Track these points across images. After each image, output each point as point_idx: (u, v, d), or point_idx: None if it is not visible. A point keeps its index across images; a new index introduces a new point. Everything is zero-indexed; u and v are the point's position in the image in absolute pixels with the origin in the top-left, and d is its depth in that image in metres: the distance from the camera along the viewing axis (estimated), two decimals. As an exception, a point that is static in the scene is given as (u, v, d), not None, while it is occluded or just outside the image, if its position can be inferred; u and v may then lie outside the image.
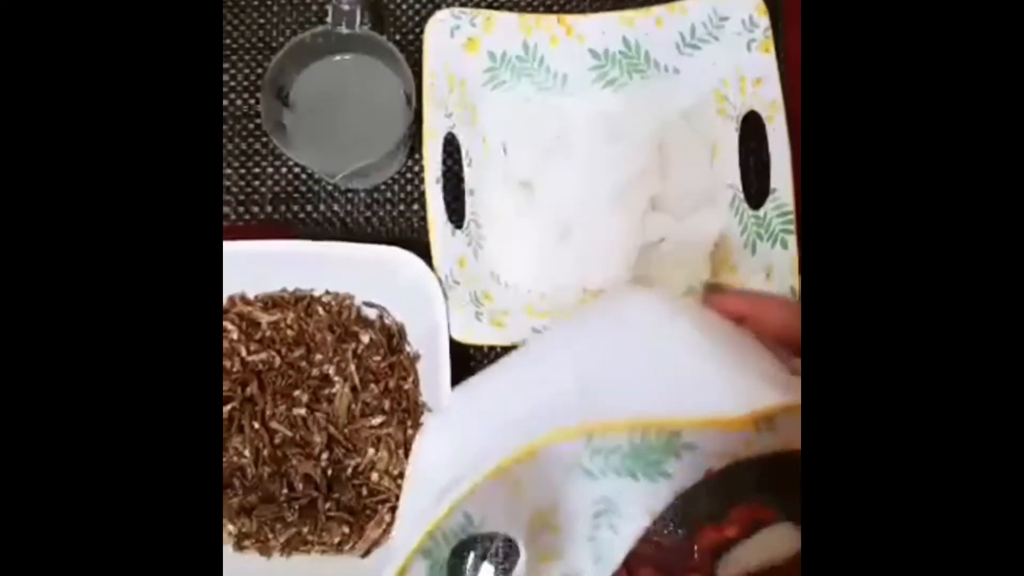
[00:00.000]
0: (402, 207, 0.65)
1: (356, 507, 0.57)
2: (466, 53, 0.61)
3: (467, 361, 0.63)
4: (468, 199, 0.60)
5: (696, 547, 0.56)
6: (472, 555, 0.60)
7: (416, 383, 0.58)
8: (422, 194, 0.64)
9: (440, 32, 0.59)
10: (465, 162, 0.60)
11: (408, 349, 0.59)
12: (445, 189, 0.58)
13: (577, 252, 0.62)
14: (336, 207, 0.65)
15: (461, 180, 0.61)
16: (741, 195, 0.60)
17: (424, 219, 0.60)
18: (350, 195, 0.65)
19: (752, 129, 0.60)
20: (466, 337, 0.56)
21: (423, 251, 0.57)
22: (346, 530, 0.57)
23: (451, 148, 0.61)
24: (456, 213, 0.60)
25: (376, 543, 0.57)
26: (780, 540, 0.53)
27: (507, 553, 0.60)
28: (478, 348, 0.63)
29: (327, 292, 0.59)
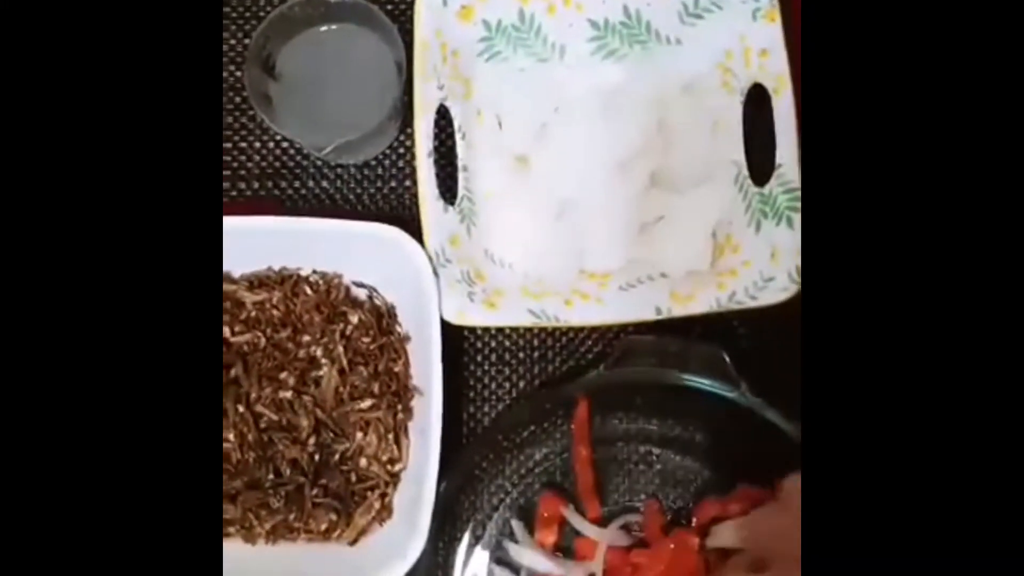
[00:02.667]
0: (393, 183, 0.62)
1: (344, 493, 0.55)
2: (460, 22, 0.58)
3: (460, 342, 0.61)
4: (461, 175, 0.58)
5: (695, 517, 0.56)
6: (465, 541, 0.58)
7: (407, 365, 0.56)
8: (414, 170, 0.62)
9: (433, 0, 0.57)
10: (458, 136, 0.58)
11: (399, 330, 0.57)
12: (437, 164, 0.56)
13: (575, 231, 0.60)
14: (325, 183, 0.62)
15: (454, 155, 0.58)
16: (745, 172, 0.58)
17: (416, 196, 0.58)
18: (339, 171, 0.62)
19: (757, 102, 0.58)
20: (458, 318, 0.54)
21: (415, 229, 0.55)
22: (334, 517, 0.55)
23: (444, 122, 0.59)
24: (448, 189, 0.58)
25: (365, 531, 0.55)
26: (767, 523, 0.52)
27: (499, 540, 0.59)
28: (471, 330, 0.62)
29: (314, 271, 0.57)
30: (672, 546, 0.55)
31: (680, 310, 0.55)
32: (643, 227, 0.59)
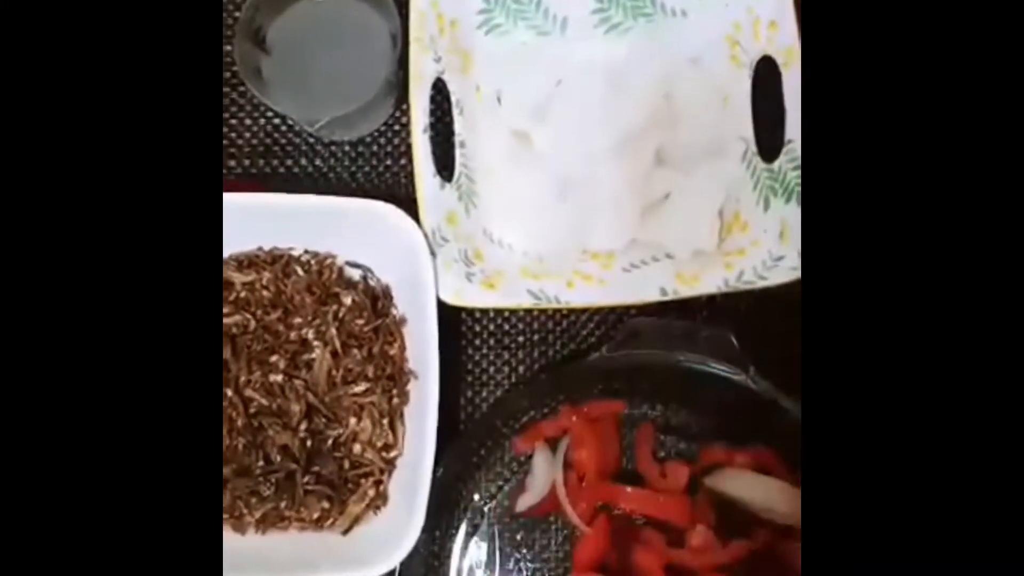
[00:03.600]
0: (389, 161, 0.60)
1: (337, 481, 0.53)
2: (457, -8, 0.56)
3: (457, 325, 0.59)
4: (459, 151, 0.56)
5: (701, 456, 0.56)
6: (462, 530, 0.56)
7: (402, 348, 0.54)
8: (410, 147, 0.60)
9: (429, -31, 0.55)
10: (456, 111, 0.56)
11: (394, 312, 0.55)
12: (434, 140, 0.54)
13: (577, 209, 0.58)
14: (318, 161, 0.60)
15: (451, 131, 0.56)
16: (754, 148, 0.56)
17: (412, 174, 0.56)
18: (333, 148, 0.60)
19: (766, 76, 0.56)
20: (456, 299, 0.52)
21: (411, 207, 0.53)
22: (326, 505, 0.53)
23: (440, 97, 0.57)
24: (446, 166, 0.55)
25: (358, 519, 0.54)
26: (768, 491, 0.53)
27: (497, 530, 0.57)
28: (469, 312, 0.59)
29: (306, 251, 0.55)
30: (662, 476, 0.55)
31: (686, 291, 0.53)
32: (648, 206, 0.57)
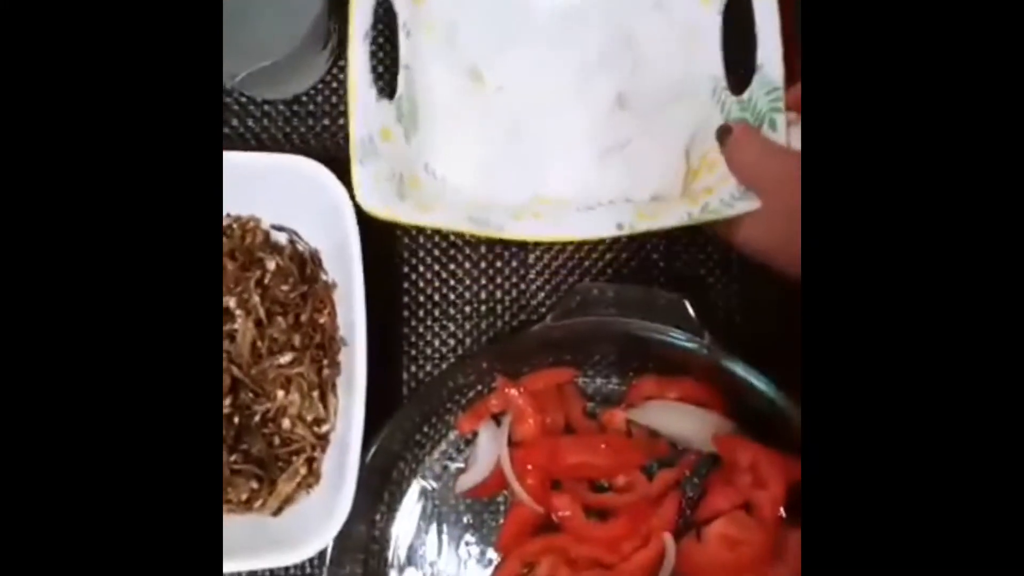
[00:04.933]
0: (326, 121, 0.57)
1: (266, 459, 0.50)
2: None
3: (398, 294, 0.56)
4: (403, 73, 0.51)
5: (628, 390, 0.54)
6: (406, 513, 0.53)
7: (333, 316, 0.51)
8: (348, 106, 0.56)
9: None
10: (402, 33, 0.51)
11: (324, 278, 0.52)
12: (375, 57, 0.50)
13: (530, 153, 0.53)
14: (251, 121, 0.57)
15: (395, 52, 0.52)
16: (723, 83, 0.51)
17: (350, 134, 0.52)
18: (267, 108, 0.57)
19: (733, 5, 0.51)
20: (385, 213, 0.47)
21: (345, 169, 0.49)
22: (255, 485, 0.50)
23: (388, 18, 0.52)
24: (387, 84, 0.51)
25: (290, 499, 0.50)
26: (702, 423, 0.51)
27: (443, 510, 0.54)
28: (412, 281, 0.56)
29: (228, 215, 0.51)
30: (596, 427, 0.53)
31: (646, 225, 0.48)
32: (606, 151, 0.53)
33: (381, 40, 0.52)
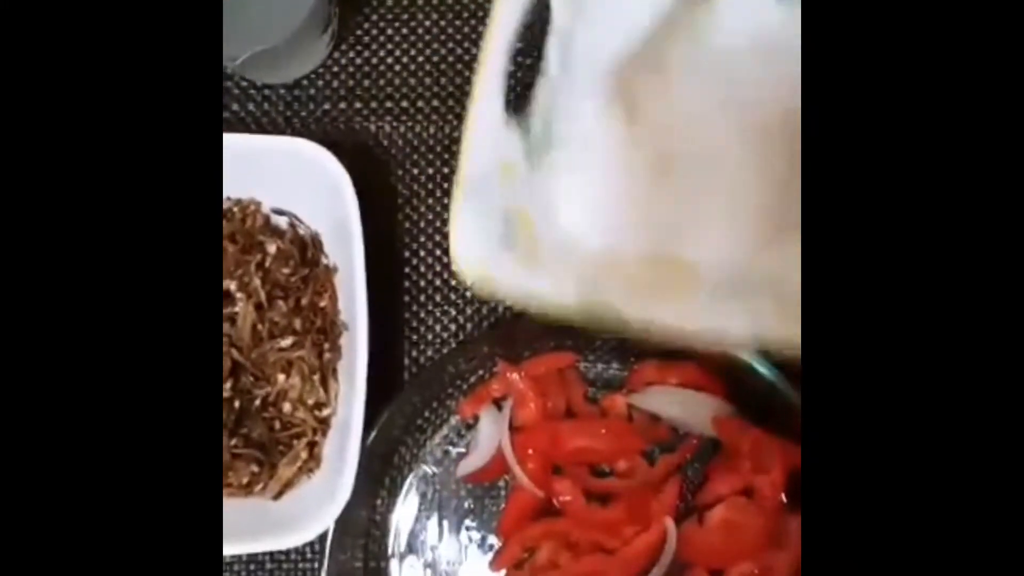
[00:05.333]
0: (327, 105, 0.57)
1: (267, 443, 0.50)
2: None
3: (399, 279, 0.55)
4: (541, 81, 0.43)
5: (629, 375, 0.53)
6: (406, 498, 0.53)
7: (334, 300, 0.51)
8: (349, 90, 0.56)
9: None
10: (553, 39, 0.43)
11: (325, 262, 0.51)
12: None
13: (676, 196, 0.44)
14: (251, 106, 0.57)
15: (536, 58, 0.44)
16: None
17: (352, 118, 0.52)
18: (268, 92, 0.57)
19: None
20: (479, 271, 0.40)
21: (348, 153, 0.49)
22: (255, 469, 0.50)
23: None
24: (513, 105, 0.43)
25: (290, 483, 0.50)
26: (703, 408, 0.50)
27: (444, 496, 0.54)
28: (413, 266, 0.56)
29: (228, 198, 0.51)
30: (597, 412, 0.53)
31: (790, 349, 0.39)
32: (776, 229, 0.43)
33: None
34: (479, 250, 0.41)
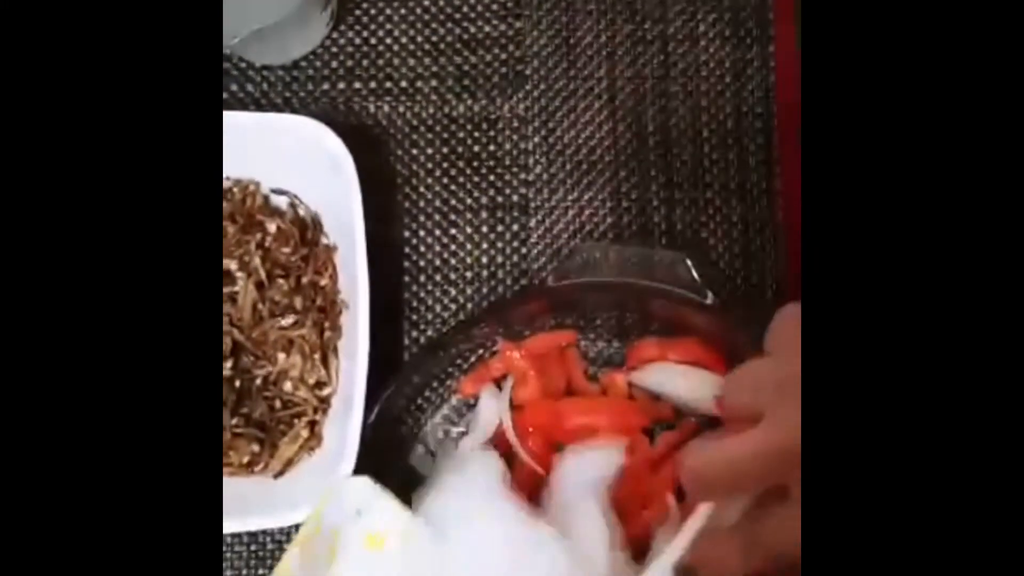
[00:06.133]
0: (326, 85, 0.57)
1: (268, 422, 0.50)
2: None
3: (399, 259, 0.55)
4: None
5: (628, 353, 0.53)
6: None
7: (334, 279, 0.51)
8: (349, 70, 0.56)
9: None
10: None
11: (324, 241, 0.51)
12: None
13: None
14: (250, 86, 0.56)
15: None
16: None
17: (351, 98, 0.52)
18: (266, 72, 0.56)
19: None
20: None
21: (348, 131, 0.49)
22: (256, 448, 0.50)
23: None
24: None
25: (291, 462, 0.50)
26: (703, 385, 0.50)
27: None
28: (413, 246, 0.56)
29: (227, 178, 0.51)
30: (598, 389, 0.53)
31: None
32: None
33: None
34: None
